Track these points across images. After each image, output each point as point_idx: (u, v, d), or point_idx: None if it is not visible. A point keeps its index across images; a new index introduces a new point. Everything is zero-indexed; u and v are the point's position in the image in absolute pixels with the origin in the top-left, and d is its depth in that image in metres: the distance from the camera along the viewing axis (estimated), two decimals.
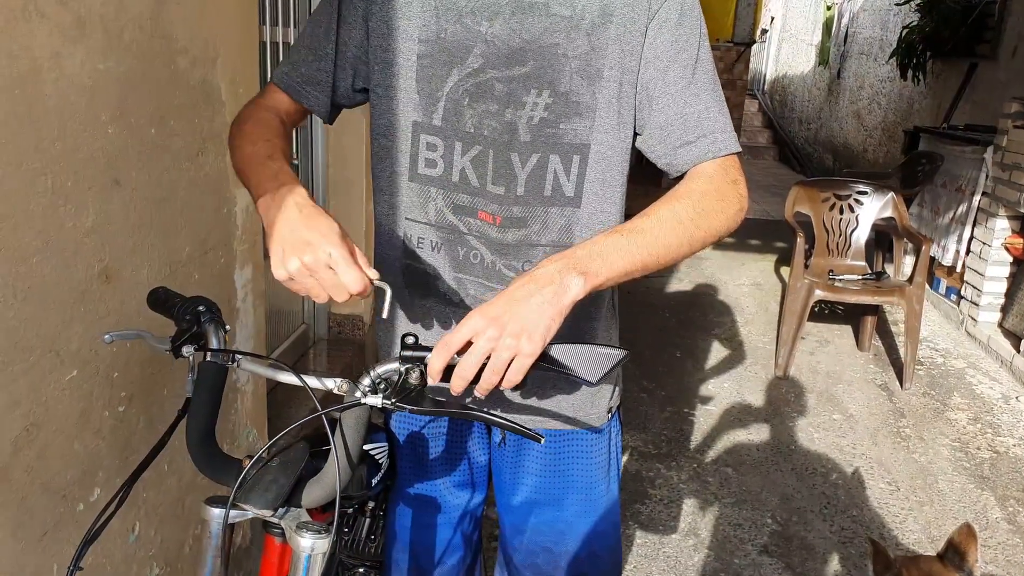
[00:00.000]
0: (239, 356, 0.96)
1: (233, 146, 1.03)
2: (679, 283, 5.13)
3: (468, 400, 1.04)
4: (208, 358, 0.95)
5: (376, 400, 0.88)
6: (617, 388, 1.24)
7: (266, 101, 1.10)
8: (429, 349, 0.86)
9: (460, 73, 1.02)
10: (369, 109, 1.11)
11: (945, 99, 6.24)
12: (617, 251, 0.89)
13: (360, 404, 0.89)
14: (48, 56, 1.10)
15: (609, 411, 1.22)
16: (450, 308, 1.11)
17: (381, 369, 0.90)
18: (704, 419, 3.26)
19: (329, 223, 0.85)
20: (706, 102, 1.02)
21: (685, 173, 1.04)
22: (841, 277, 3.81)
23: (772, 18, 14.00)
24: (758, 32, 13.93)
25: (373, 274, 0.85)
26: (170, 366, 1.45)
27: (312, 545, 0.92)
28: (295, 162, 2.71)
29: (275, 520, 0.96)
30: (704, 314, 4.56)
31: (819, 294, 3.64)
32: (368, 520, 1.42)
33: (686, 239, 0.94)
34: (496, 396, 0.99)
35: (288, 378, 0.93)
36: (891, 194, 3.99)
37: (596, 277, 0.86)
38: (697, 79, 1.02)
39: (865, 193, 4.04)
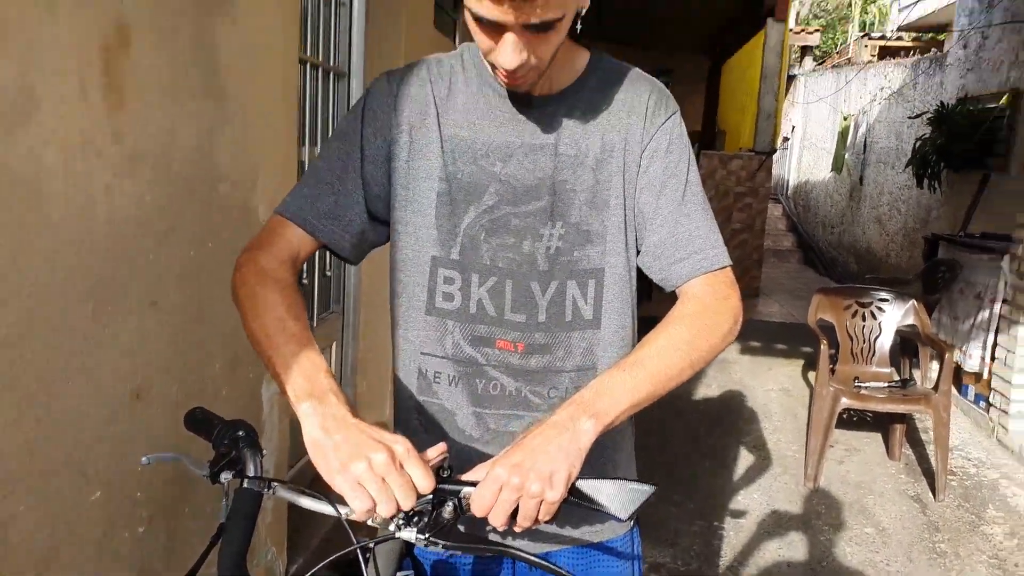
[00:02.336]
0: (275, 484, 0.98)
1: (243, 306, 0.99)
2: (708, 388, 5.10)
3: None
4: (245, 484, 0.97)
5: (411, 535, 0.87)
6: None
7: (275, 242, 1.07)
8: (464, 483, 0.88)
9: (476, 210, 1.08)
10: (389, 247, 1.15)
11: (961, 207, 6.32)
12: (622, 388, 0.92)
13: (394, 538, 0.90)
14: (101, 190, 1.20)
15: (625, 510, 1.22)
16: (469, 445, 1.12)
17: (415, 502, 0.91)
18: (735, 533, 3.18)
19: (386, 426, 0.85)
20: (696, 221, 1.08)
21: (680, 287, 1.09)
22: (867, 384, 3.78)
23: (793, 127, 14.39)
24: (779, 141, 14.29)
25: (435, 453, 0.87)
26: (194, 485, 1.48)
27: None
28: (328, 273, 2.81)
29: None
30: (733, 421, 4.51)
31: (845, 402, 3.60)
32: None
33: (686, 363, 0.98)
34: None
35: (322, 507, 0.95)
36: (912, 301, 3.99)
37: (606, 416, 0.89)
38: (687, 201, 1.08)
39: (887, 300, 4.05)
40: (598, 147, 1.08)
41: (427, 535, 0.87)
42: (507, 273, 1.08)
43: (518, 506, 0.85)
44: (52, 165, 1.08)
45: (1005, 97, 5.82)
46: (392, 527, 0.88)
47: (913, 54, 10.01)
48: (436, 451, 0.87)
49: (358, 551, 0.89)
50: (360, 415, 0.84)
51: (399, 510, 0.83)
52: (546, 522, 0.86)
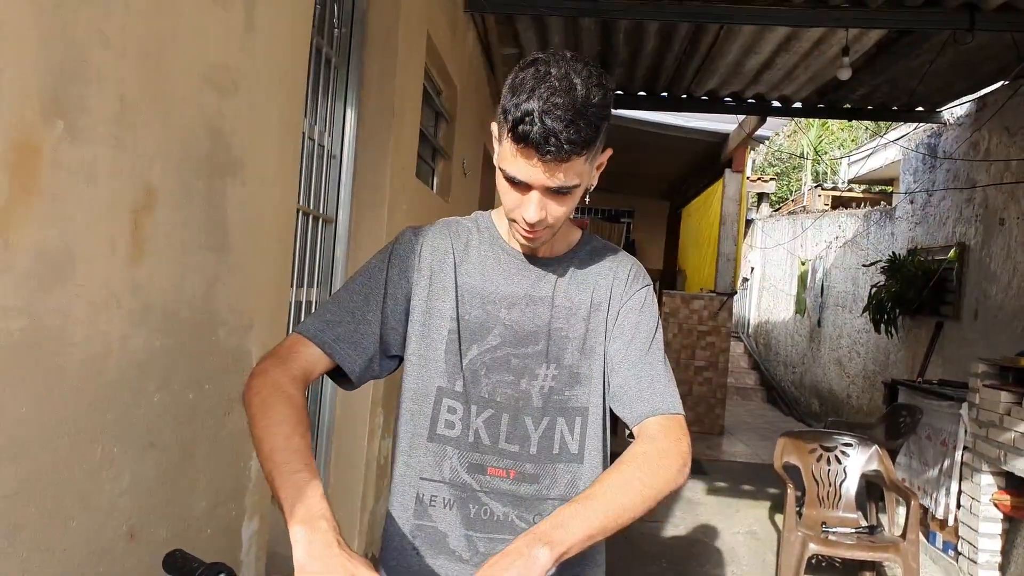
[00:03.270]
0: None
1: (259, 408, 1.05)
2: (675, 529, 5.06)
3: None
4: None
5: None
6: None
7: (291, 358, 1.14)
8: None
9: (480, 348, 1.22)
10: (401, 379, 1.26)
11: (918, 351, 6.57)
12: (577, 520, 1.00)
13: None
14: (117, 339, 1.28)
15: None
16: (458, 566, 1.19)
17: None
18: None
19: (363, 560, 0.90)
20: (658, 371, 1.22)
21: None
22: (835, 530, 3.81)
23: (752, 268, 14.96)
24: (739, 282, 14.81)
25: None
26: None
27: None
28: None
29: None
30: (701, 565, 4.47)
31: (813, 548, 3.62)
32: None
33: (638, 499, 1.05)
34: None
35: None
36: (875, 447, 4.10)
37: (561, 545, 0.96)
38: (651, 352, 1.24)
39: (850, 445, 4.15)
40: (588, 302, 1.25)
41: None
42: (504, 407, 1.20)
43: None
44: (78, 318, 1.16)
45: (952, 251, 6.20)
46: None
47: (864, 205, 10.65)
48: None
49: None
50: (345, 542, 0.90)
51: None
52: None
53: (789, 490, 3.79)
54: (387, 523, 1.25)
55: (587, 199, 1.22)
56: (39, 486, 1.11)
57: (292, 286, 2.39)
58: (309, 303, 2.68)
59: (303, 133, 2.45)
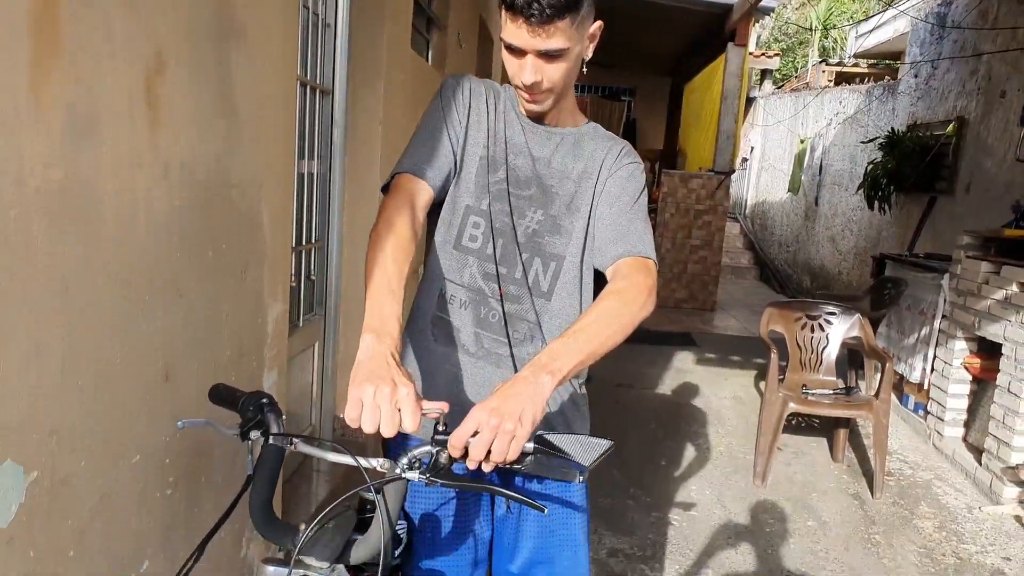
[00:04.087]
0: (296, 439, 1.18)
1: (371, 244, 1.22)
2: (665, 396, 5.35)
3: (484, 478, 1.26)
4: (271, 441, 1.17)
5: (414, 475, 1.09)
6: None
7: (397, 192, 1.31)
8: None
9: (494, 178, 1.40)
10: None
11: (909, 228, 6.69)
12: (569, 350, 1.15)
13: (401, 478, 1.11)
14: (142, 195, 1.39)
15: (581, 477, 1.46)
16: (465, 356, 1.40)
17: (416, 451, 1.12)
18: (687, 524, 3.41)
19: (409, 376, 1.05)
20: (637, 225, 1.39)
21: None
22: (814, 392, 4.05)
23: (752, 148, 14.85)
24: (738, 161, 14.72)
25: (433, 407, 1.07)
26: (209, 459, 1.66)
27: None
28: (312, 277, 3.00)
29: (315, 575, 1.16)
30: (688, 425, 4.76)
31: (793, 407, 3.87)
32: None
33: (617, 328, 1.22)
34: (502, 472, 1.24)
35: (340, 458, 1.14)
36: (857, 315, 4.29)
37: (560, 373, 1.12)
38: (634, 212, 1.40)
39: (834, 314, 4.34)
40: (581, 168, 1.42)
41: (428, 475, 1.08)
42: (501, 233, 1.39)
43: (490, 450, 1.05)
44: (107, 172, 1.27)
45: (951, 125, 6.20)
46: (398, 470, 1.09)
47: (868, 81, 10.48)
48: (436, 406, 1.07)
49: (372, 489, 1.10)
50: (400, 361, 1.06)
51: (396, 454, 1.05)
52: (514, 464, 1.07)
53: (772, 355, 4.00)
54: (413, 310, 1.46)
55: (584, 69, 1.35)
56: (87, 323, 1.25)
57: (298, 157, 2.47)
58: (311, 175, 2.77)
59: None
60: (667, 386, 5.56)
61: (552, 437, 1.08)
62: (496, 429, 1.04)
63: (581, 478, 1.46)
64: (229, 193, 1.75)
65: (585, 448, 1.08)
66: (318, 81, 2.76)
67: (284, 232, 2.10)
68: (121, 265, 1.34)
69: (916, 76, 7.17)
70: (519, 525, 1.46)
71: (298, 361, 2.83)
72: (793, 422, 4.79)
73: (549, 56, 1.25)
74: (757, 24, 10.74)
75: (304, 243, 2.85)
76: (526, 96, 1.32)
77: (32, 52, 1.08)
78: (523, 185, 1.40)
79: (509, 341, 1.40)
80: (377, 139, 3.07)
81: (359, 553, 1.14)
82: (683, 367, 6.09)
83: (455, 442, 1.06)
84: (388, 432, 1.01)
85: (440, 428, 1.11)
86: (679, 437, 4.54)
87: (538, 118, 1.41)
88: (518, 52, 1.26)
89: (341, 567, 1.17)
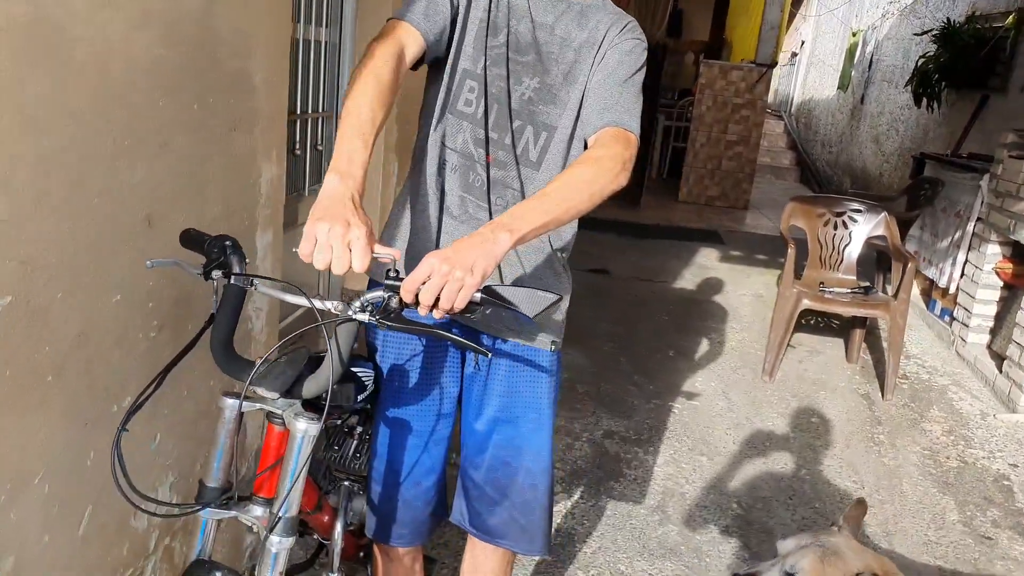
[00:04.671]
0: (256, 280, 1.21)
1: (351, 84, 1.21)
2: (682, 289, 5.34)
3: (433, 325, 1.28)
4: (232, 281, 1.20)
5: (364, 316, 1.12)
6: (560, 330, 1.52)
7: (386, 37, 1.28)
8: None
9: (494, 42, 1.37)
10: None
11: (958, 128, 6.39)
12: (532, 212, 1.16)
13: (351, 319, 1.13)
14: (119, 39, 1.36)
15: (553, 344, 1.48)
16: (448, 218, 1.42)
17: (369, 296, 1.14)
18: (687, 413, 3.47)
19: (366, 219, 1.05)
20: (626, 99, 1.36)
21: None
22: (831, 290, 4.00)
23: (803, 42, 14.14)
24: (787, 55, 14.03)
25: (384, 253, 1.07)
26: (194, 306, 1.70)
27: (306, 428, 1.17)
28: (319, 147, 2.99)
29: (277, 411, 1.21)
30: (702, 319, 4.76)
31: (807, 303, 3.83)
32: (355, 441, 1.67)
33: (585, 196, 1.22)
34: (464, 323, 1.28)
35: (295, 299, 1.17)
36: (884, 214, 4.17)
37: (519, 232, 1.12)
38: (626, 87, 1.37)
39: (859, 211, 4.22)
40: (584, 37, 1.39)
41: (377, 318, 1.10)
42: (496, 99, 1.37)
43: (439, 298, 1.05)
44: (78, 11, 1.25)
45: (1012, 17, 5.81)
46: (350, 312, 1.11)
47: None
48: (387, 251, 1.07)
49: (323, 328, 1.12)
50: (361, 203, 1.06)
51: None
52: (464, 313, 1.08)
53: (790, 250, 3.93)
54: (412, 167, 1.45)
55: None
56: (60, 161, 1.26)
57: (297, 21, 2.41)
58: (318, 42, 2.71)
59: None
60: (686, 281, 5.53)
61: (500, 288, 1.08)
62: (446, 276, 1.05)
63: (553, 347, 1.49)
64: (217, 50, 1.72)
65: (532, 300, 1.09)
66: None
67: (278, 95, 2.07)
68: (96, 110, 1.33)
69: None
70: (486, 383, 1.49)
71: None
72: (811, 321, 4.76)
73: None
74: None
75: (310, 111, 2.83)
76: None
77: None
78: (522, 51, 1.38)
79: (490, 207, 1.40)
80: (388, 5, 2.98)
81: (310, 387, 1.18)
82: (705, 263, 6.04)
83: (407, 286, 1.07)
84: (337, 270, 1.03)
85: (392, 274, 1.12)
86: (691, 330, 4.55)
87: None
88: None
89: (298, 403, 1.21)
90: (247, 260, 1.23)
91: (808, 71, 13.40)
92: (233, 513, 1.27)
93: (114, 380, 1.49)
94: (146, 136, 1.49)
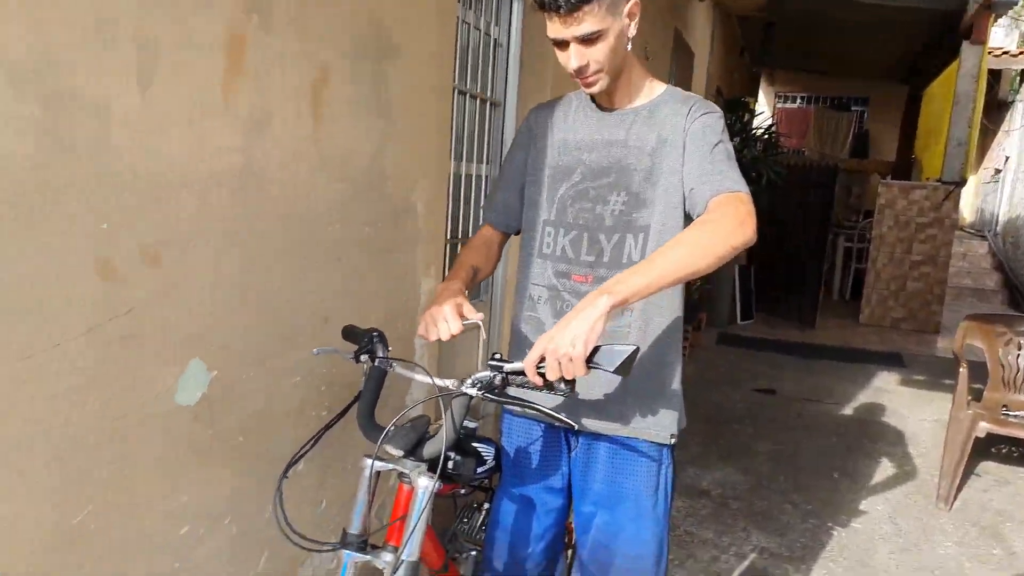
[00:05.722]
0: (394, 362, 1.50)
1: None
2: (854, 411, 5.11)
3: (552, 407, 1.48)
4: (375, 363, 1.50)
5: (472, 391, 1.37)
6: (681, 422, 1.64)
7: (481, 237, 1.75)
8: (507, 361, 1.35)
9: (567, 184, 1.61)
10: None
11: None
12: (635, 275, 1.29)
13: (463, 393, 1.39)
14: (305, 181, 1.79)
15: (672, 436, 1.62)
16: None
17: (477, 375, 1.40)
18: (846, 535, 3.32)
19: (452, 301, 1.45)
20: (721, 165, 1.47)
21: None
22: (1016, 413, 3.73)
23: (1007, 157, 13.31)
24: (989, 172, 13.23)
25: (471, 316, 1.43)
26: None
27: (426, 484, 1.42)
28: None
29: (405, 470, 1.47)
30: (873, 442, 4.53)
31: (985, 426, 3.59)
32: (481, 515, 1.88)
33: (696, 251, 1.32)
34: (573, 405, 1.54)
35: (422, 377, 1.45)
36: None
37: (619, 294, 1.26)
38: (715, 153, 1.48)
39: None
40: (655, 140, 1.54)
41: (482, 393, 1.34)
42: (584, 228, 1.58)
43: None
44: (276, 163, 1.68)
45: None
46: (462, 387, 1.37)
47: None
48: (474, 315, 1.43)
49: (439, 400, 1.39)
50: (462, 296, 1.48)
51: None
52: (572, 379, 1.27)
53: (962, 369, 3.74)
54: (514, 312, 1.73)
55: (628, 45, 1.49)
56: (257, 270, 1.67)
57: (455, 158, 2.84)
58: (479, 176, 3.14)
59: (467, 23, 2.85)
60: (859, 403, 5.29)
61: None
62: (555, 354, 1.24)
63: (672, 440, 1.62)
64: (384, 185, 2.13)
65: (611, 356, 1.26)
66: (489, 94, 3.13)
67: (437, 219, 2.46)
68: (285, 233, 1.74)
69: None
70: (586, 469, 1.66)
71: (464, 338, 3.22)
72: (1003, 450, 4.39)
73: (586, 41, 1.41)
74: (999, 18, 9.71)
75: (463, 236, 3.23)
76: (580, 80, 1.49)
77: (224, 68, 1.51)
78: (601, 174, 1.57)
79: None
80: None
81: (429, 449, 1.43)
82: (883, 387, 5.74)
83: (528, 367, 1.29)
84: (433, 336, 1.42)
85: (497, 356, 1.37)
86: (860, 453, 4.34)
87: (609, 102, 1.58)
88: (562, 44, 1.44)
89: (423, 465, 1.47)
90: (390, 349, 1.53)
91: (1015, 187, 12.53)
92: (368, 557, 1.52)
93: (289, 448, 1.82)
94: (325, 255, 1.89)
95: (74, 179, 1.21)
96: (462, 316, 1.43)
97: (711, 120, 1.51)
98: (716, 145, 1.48)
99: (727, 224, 1.35)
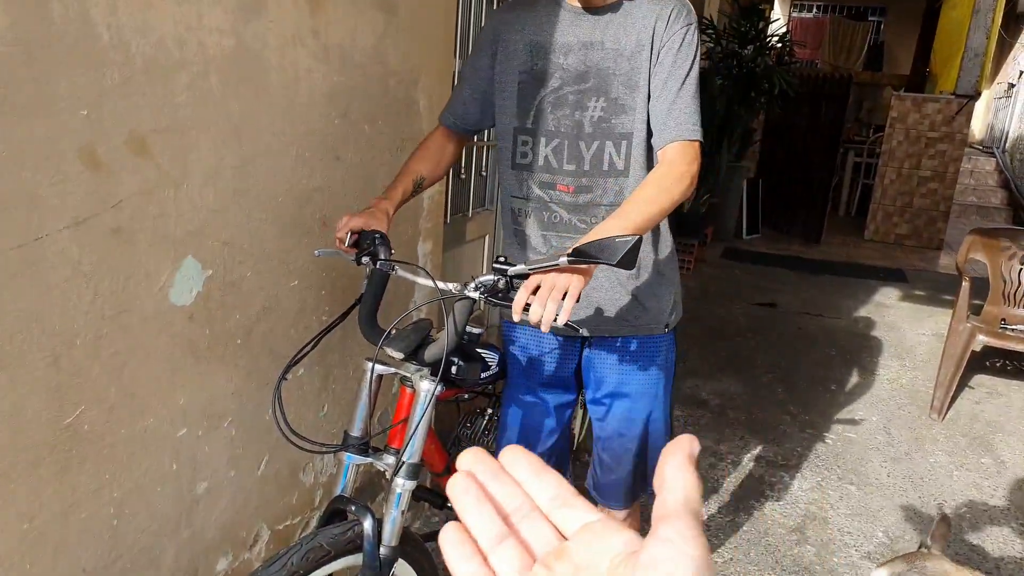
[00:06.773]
0: (396, 265, 1.46)
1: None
2: (854, 325, 5.12)
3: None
4: (377, 266, 1.46)
5: (475, 294, 1.33)
6: (674, 314, 1.65)
7: (434, 137, 1.66)
8: (512, 264, 1.30)
9: (545, 91, 1.51)
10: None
11: None
12: (615, 230, 1.26)
13: (465, 296, 1.35)
14: (304, 71, 1.70)
15: (666, 327, 1.63)
16: (535, 256, 1.57)
17: (481, 278, 1.35)
18: (841, 444, 3.36)
19: (380, 212, 1.46)
20: (688, 105, 1.44)
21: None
22: (1014, 327, 3.73)
23: (1021, 72, 12.95)
24: (1002, 86, 12.90)
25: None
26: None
27: (428, 387, 1.40)
28: (483, 173, 3.30)
29: (407, 374, 1.44)
30: (872, 356, 4.56)
31: (982, 339, 3.60)
32: (484, 420, 1.88)
33: (657, 211, 1.34)
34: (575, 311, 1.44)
35: (425, 281, 1.41)
36: None
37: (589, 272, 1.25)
38: (682, 95, 1.44)
39: None
40: (633, 43, 1.46)
41: (485, 296, 1.30)
42: (564, 135, 1.50)
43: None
44: (272, 48, 1.59)
45: None
46: (465, 291, 1.33)
47: None
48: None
49: (442, 303, 1.35)
50: (387, 210, 1.47)
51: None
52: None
53: (964, 282, 3.72)
54: (503, 220, 1.67)
55: None
56: (255, 165, 1.60)
57: (459, 57, 2.72)
58: None
59: None
60: (860, 318, 5.30)
61: (583, 247, 1.21)
62: (551, 288, 1.20)
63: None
64: (386, 80, 2.04)
65: (612, 249, 1.21)
66: None
67: None
68: (284, 126, 1.67)
69: None
70: (595, 364, 1.66)
71: (469, 248, 3.17)
72: (998, 363, 4.42)
73: None
74: None
75: (476, 140, 3.13)
76: None
77: None
78: (580, 80, 1.48)
79: (579, 232, 1.52)
80: None
81: (431, 352, 1.41)
82: (884, 302, 5.74)
83: (520, 296, 1.22)
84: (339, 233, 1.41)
85: (501, 259, 1.32)
86: (858, 366, 4.37)
87: (586, 2, 1.47)
88: None
89: (425, 369, 1.44)
90: (393, 252, 1.49)
91: None
92: (369, 459, 1.52)
93: (290, 351, 1.80)
94: (323, 150, 1.81)
95: (56, 57, 1.14)
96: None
97: (688, 36, 1.46)
98: (688, 75, 1.45)
99: (684, 183, 1.38)
